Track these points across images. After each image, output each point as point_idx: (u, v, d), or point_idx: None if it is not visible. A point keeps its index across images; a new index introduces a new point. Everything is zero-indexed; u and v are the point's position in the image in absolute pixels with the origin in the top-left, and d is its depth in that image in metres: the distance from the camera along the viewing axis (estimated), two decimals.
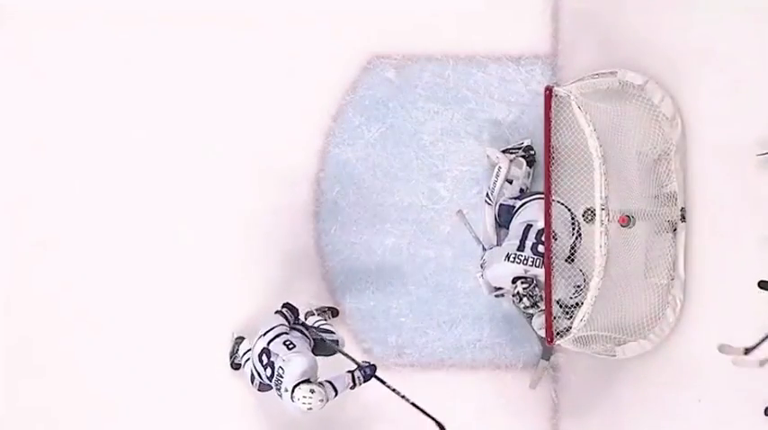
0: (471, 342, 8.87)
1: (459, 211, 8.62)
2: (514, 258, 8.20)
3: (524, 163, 8.66)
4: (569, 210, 8.26)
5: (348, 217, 8.93)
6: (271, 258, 8.91)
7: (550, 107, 8.08)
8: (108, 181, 8.96)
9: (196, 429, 8.97)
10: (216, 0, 8.90)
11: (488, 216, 8.67)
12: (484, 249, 8.49)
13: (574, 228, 8.23)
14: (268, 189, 8.91)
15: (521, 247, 8.22)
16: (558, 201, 8.21)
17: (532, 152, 8.69)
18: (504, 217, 8.55)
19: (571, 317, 8.09)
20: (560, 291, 8.12)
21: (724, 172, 8.64)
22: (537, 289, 8.14)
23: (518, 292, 8.14)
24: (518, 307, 8.27)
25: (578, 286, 8.12)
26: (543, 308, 8.17)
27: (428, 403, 8.82)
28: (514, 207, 8.47)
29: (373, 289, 8.94)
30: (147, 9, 8.92)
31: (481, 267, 8.37)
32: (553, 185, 8.10)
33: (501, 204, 8.57)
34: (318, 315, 8.59)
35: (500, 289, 8.42)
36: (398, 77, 8.88)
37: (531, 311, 8.25)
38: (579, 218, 8.26)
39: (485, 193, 8.69)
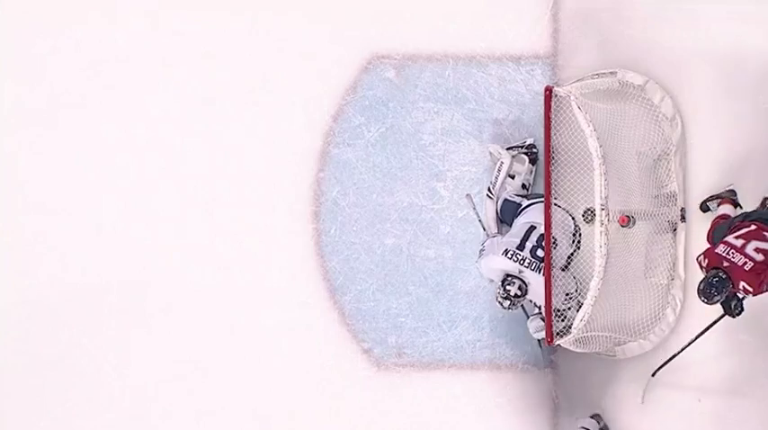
0: (471, 342, 8.87)
1: (468, 195, 8.64)
2: (512, 256, 8.20)
3: (527, 159, 8.66)
4: (573, 219, 8.27)
5: (348, 217, 8.94)
6: (271, 258, 8.92)
7: (550, 107, 8.08)
8: (108, 180, 8.97)
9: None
10: (216, 1, 8.91)
11: (489, 210, 8.66)
12: (488, 236, 8.50)
13: (574, 239, 8.23)
14: (268, 189, 8.91)
15: (520, 247, 8.22)
16: (565, 209, 8.23)
17: (535, 150, 8.70)
18: (508, 213, 8.53)
19: (562, 320, 8.09)
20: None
21: (724, 172, 8.64)
22: (526, 295, 8.15)
23: (507, 292, 8.13)
24: (499, 301, 8.23)
25: (568, 294, 8.12)
26: (518, 307, 8.24)
27: (428, 403, 8.86)
28: (521, 205, 8.46)
29: (373, 289, 8.94)
30: (146, 10, 8.94)
31: (480, 253, 8.37)
32: (553, 185, 8.11)
33: (507, 200, 8.56)
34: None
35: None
36: (398, 77, 8.88)
37: (507, 309, 8.23)
38: (581, 225, 8.27)
39: (486, 188, 8.68)
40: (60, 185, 8.98)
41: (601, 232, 7.91)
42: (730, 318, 7.92)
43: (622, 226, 8.21)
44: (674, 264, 8.62)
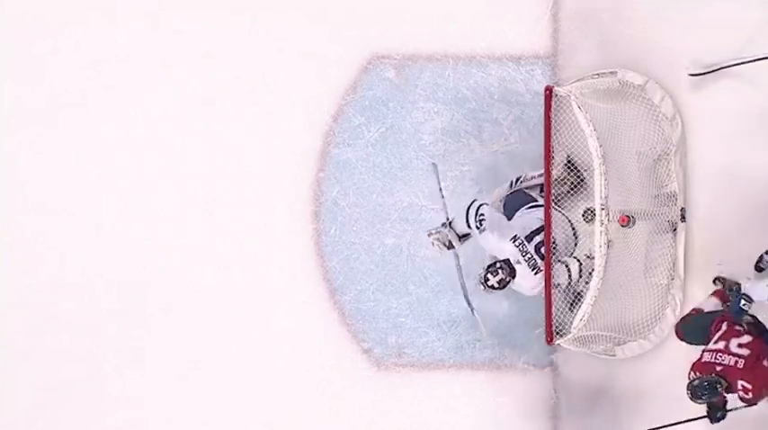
0: (471, 342, 8.87)
1: (433, 164, 8.59)
2: (519, 244, 8.20)
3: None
4: (575, 237, 8.28)
5: (348, 217, 8.94)
6: (271, 258, 8.92)
7: (550, 107, 8.07)
8: (108, 180, 8.98)
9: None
10: (216, 1, 8.91)
11: (502, 190, 8.60)
12: (445, 206, 8.44)
13: (571, 250, 8.27)
14: (268, 189, 8.91)
15: (529, 239, 8.22)
16: (572, 226, 8.24)
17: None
18: (516, 203, 8.46)
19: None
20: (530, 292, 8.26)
21: (724, 172, 8.64)
22: (504, 288, 8.19)
23: (486, 280, 8.15)
24: (481, 273, 8.26)
25: (556, 285, 8.17)
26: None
27: (428, 403, 8.86)
28: (536, 200, 8.41)
29: (373, 289, 8.94)
30: (146, 10, 8.94)
31: (480, 223, 8.28)
32: (553, 185, 8.12)
33: (525, 192, 8.50)
34: None
35: (466, 236, 8.40)
36: (398, 77, 8.89)
37: (478, 283, 8.27)
38: (579, 234, 8.30)
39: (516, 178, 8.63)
40: (60, 185, 8.98)
41: (601, 232, 7.92)
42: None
43: (622, 226, 8.21)
44: (674, 264, 8.61)
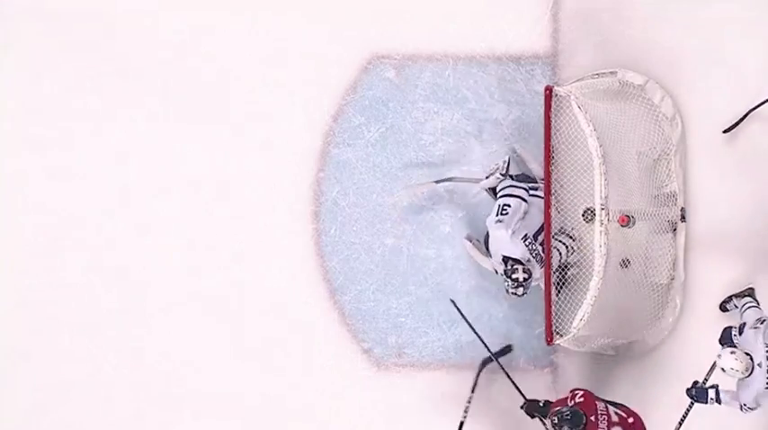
0: (471, 342, 8.86)
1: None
2: (529, 244, 8.23)
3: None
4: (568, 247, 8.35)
5: (348, 217, 8.94)
6: (271, 258, 8.92)
7: (550, 107, 8.08)
8: (107, 180, 8.98)
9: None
10: (216, 1, 8.92)
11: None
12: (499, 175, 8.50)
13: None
14: (268, 189, 8.92)
15: (536, 235, 8.23)
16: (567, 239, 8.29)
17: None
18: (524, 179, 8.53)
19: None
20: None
21: (724, 172, 8.64)
22: (532, 277, 8.22)
23: (516, 280, 8.17)
24: (511, 292, 8.31)
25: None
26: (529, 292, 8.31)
27: (428, 403, 8.86)
28: (536, 184, 8.44)
29: (373, 289, 8.94)
30: (146, 10, 8.95)
31: (502, 212, 8.30)
32: (553, 185, 8.12)
33: (527, 175, 8.55)
34: None
35: (492, 192, 8.48)
36: (398, 77, 8.89)
37: (521, 296, 8.30)
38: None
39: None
40: (60, 185, 8.98)
41: (601, 232, 7.92)
42: None
43: (622, 226, 8.22)
44: (673, 263, 8.62)
